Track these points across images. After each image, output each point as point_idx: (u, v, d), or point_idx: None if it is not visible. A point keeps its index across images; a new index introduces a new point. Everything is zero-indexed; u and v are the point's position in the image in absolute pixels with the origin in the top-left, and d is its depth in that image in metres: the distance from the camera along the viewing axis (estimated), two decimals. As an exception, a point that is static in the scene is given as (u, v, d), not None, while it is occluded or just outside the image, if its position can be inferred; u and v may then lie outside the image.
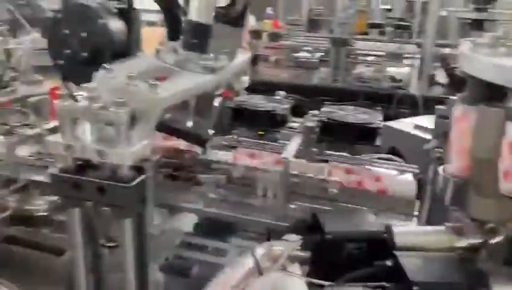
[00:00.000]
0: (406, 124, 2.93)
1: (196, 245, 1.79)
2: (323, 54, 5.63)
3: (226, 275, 1.25)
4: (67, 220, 1.38)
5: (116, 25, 1.60)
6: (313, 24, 8.42)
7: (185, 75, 1.48)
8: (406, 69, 5.58)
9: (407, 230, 1.19)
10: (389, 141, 2.39)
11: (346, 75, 5.53)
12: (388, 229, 1.13)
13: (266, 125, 1.83)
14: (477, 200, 1.14)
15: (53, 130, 2.02)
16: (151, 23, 10.35)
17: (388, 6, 9.16)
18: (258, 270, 1.23)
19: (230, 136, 1.80)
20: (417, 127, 2.78)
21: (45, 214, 1.78)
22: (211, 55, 1.56)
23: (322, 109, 1.81)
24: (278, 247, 1.22)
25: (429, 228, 1.28)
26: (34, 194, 1.83)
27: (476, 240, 1.14)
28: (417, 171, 1.61)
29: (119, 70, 1.29)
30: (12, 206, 1.72)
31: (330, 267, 1.14)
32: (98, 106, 1.19)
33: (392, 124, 2.97)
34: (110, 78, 1.25)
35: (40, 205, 1.77)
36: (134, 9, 1.78)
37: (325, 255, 1.14)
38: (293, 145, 1.62)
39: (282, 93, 2.38)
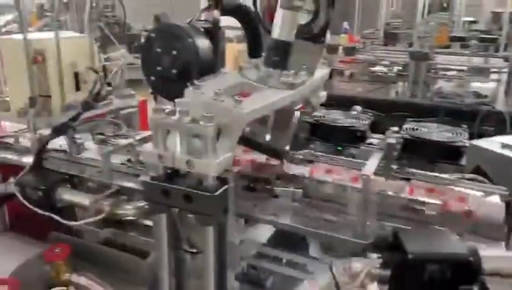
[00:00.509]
0: (492, 143, 2.77)
1: (271, 256, 1.82)
2: (400, 68, 5.47)
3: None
4: (155, 224, 1.48)
5: (203, 43, 1.70)
6: (390, 38, 8.24)
7: (266, 91, 1.54)
8: (492, 84, 5.27)
9: (495, 254, 1.13)
10: (474, 159, 2.28)
11: (426, 90, 5.33)
12: (474, 253, 1.09)
13: (345, 141, 1.82)
14: None
15: (142, 141, 2.20)
16: (228, 40, 10.72)
17: (472, 18, 8.74)
18: (336, 287, 1.23)
19: (308, 151, 1.82)
20: (505, 146, 2.62)
21: (133, 218, 1.91)
22: (291, 71, 1.61)
23: (404, 126, 1.77)
24: (357, 264, 1.22)
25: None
26: (124, 200, 1.98)
27: None
28: (505, 193, 1.52)
29: (207, 87, 1.38)
30: (106, 210, 1.86)
31: (410, 289, 1.12)
32: (188, 119, 1.28)
33: (476, 142, 2.82)
34: (199, 94, 1.34)
35: (129, 209, 1.90)
36: (220, 28, 1.88)
37: (406, 275, 1.12)
38: (373, 162, 1.61)
39: (358, 108, 2.37)
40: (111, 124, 2.46)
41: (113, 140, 2.24)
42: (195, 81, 1.37)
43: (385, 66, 5.92)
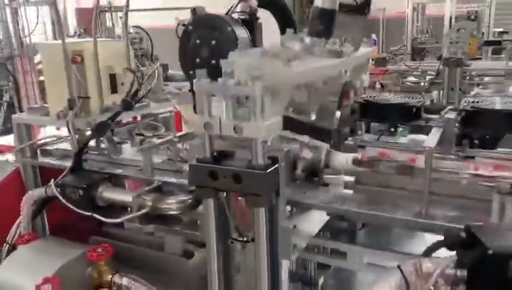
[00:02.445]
0: None
1: (320, 248, 1.71)
2: (432, 76, 5.35)
3: None
4: (203, 211, 1.40)
5: (242, 33, 1.66)
6: (417, 52, 8.14)
7: (312, 58, 1.47)
8: (529, 88, 5.07)
9: None
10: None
11: (463, 97, 5.16)
12: None
13: (399, 118, 1.70)
14: None
15: (183, 138, 2.16)
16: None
17: (502, 29, 8.57)
18: (407, 288, 1.11)
19: (357, 136, 1.73)
20: None
21: (177, 212, 1.84)
22: (337, 40, 1.54)
23: (462, 100, 1.65)
24: (428, 263, 1.10)
25: None
26: (167, 195, 1.92)
27: None
28: None
29: (253, 51, 1.32)
30: (149, 205, 1.80)
31: (492, 288, 0.99)
32: (234, 81, 1.22)
33: None
34: (245, 55, 1.28)
35: (172, 204, 1.84)
36: (258, 18, 1.84)
37: (486, 274, 0.99)
38: (433, 137, 1.49)
39: None
40: (149, 127, 2.43)
41: (153, 140, 2.21)
42: (241, 44, 1.31)
43: (416, 76, 5.81)
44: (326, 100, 1.71)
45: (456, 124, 1.51)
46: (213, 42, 1.67)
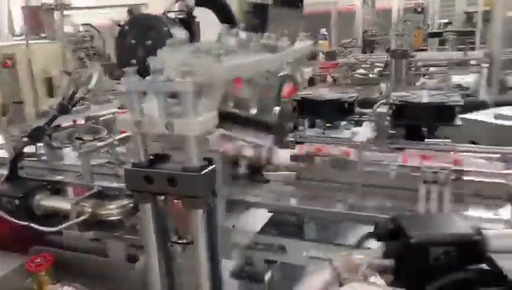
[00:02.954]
0: (485, 115, 2.71)
1: (264, 244, 1.70)
2: (381, 69, 5.48)
3: (304, 287, 1.14)
4: (140, 217, 1.36)
5: (179, 32, 1.62)
6: (368, 45, 8.32)
7: (247, 53, 1.45)
8: (473, 76, 5.29)
9: (500, 232, 1.04)
10: (468, 132, 2.21)
11: (409, 88, 5.32)
12: (479, 232, 1.00)
13: (333, 114, 1.71)
14: None
15: (123, 141, 2.09)
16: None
17: (446, 20, 8.90)
18: (338, 282, 1.12)
19: (297, 132, 1.73)
20: (497, 116, 2.56)
21: (118, 218, 1.78)
22: (272, 35, 1.53)
23: (392, 94, 1.68)
24: (357, 256, 1.12)
25: None
26: (107, 200, 1.85)
27: None
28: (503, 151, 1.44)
29: (184, 47, 1.29)
30: (88, 211, 1.74)
31: (416, 275, 1.01)
32: (164, 78, 1.18)
33: (470, 115, 2.76)
34: (175, 52, 1.25)
35: (112, 209, 1.78)
36: (194, 17, 1.81)
37: (410, 261, 1.01)
38: (364, 131, 1.51)
39: None
40: (90, 130, 2.34)
41: (92, 143, 2.13)
42: (169, 41, 1.27)
43: (366, 68, 5.93)
44: (266, 95, 1.70)
45: (388, 118, 1.54)
46: (149, 42, 1.62)
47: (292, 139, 1.67)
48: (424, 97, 1.66)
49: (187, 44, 1.44)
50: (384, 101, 1.69)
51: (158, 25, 1.62)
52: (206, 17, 1.91)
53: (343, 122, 2.31)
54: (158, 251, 1.38)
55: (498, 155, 1.47)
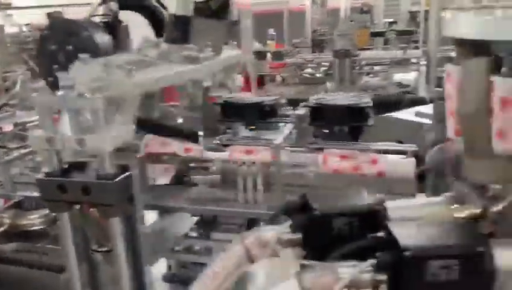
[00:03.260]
0: (406, 113, 2.84)
1: (193, 247, 1.73)
2: (326, 68, 5.61)
3: (215, 266, 1.17)
4: (59, 226, 1.35)
5: (101, 37, 1.60)
6: (317, 44, 8.47)
7: (166, 65, 1.47)
8: (412, 74, 5.52)
9: (401, 203, 1.11)
10: (390, 130, 2.31)
11: (352, 86, 5.48)
12: (380, 203, 1.06)
13: (255, 117, 1.75)
14: (471, 162, 1.06)
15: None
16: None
17: (391, 19, 9.19)
18: (249, 259, 1.16)
19: (223, 135, 1.76)
20: (418, 114, 2.68)
21: (41, 227, 1.75)
22: (194, 46, 1.55)
23: (311, 97, 1.75)
24: (267, 232, 1.15)
25: (426, 199, 1.20)
26: (29, 210, 1.82)
27: (477, 209, 1.05)
28: (415, 149, 1.53)
29: (96, 62, 1.29)
30: (7, 222, 1.70)
31: (322, 246, 1.06)
32: (75, 94, 1.18)
33: (392, 114, 2.87)
34: (86, 67, 1.25)
35: (34, 219, 1.75)
36: (120, 21, 1.80)
37: (315, 233, 1.06)
38: (283, 134, 1.56)
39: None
40: (16, 138, 2.28)
41: (15, 151, 2.07)
42: (82, 56, 1.27)
43: (313, 68, 6.05)
44: (190, 103, 1.73)
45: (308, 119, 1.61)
46: (69, 48, 1.60)
47: (218, 142, 1.71)
48: (338, 99, 1.72)
49: (100, 58, 1.43)
50: (306, 103, 1.75)
51: (78, 30, 1.60)
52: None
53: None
54: (80, 260, 1.37)
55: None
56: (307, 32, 8.57)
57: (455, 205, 1.07)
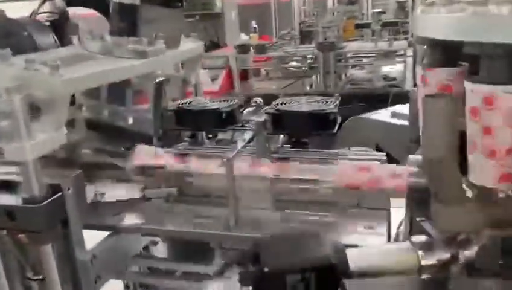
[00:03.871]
0: (382, 114, 2.69)
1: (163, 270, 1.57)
2: (310, 61, 5.46)
3: None
4: None
5: (43, 37, 1.44)
6: (305, 36, 8.30)
7: (107, 60, 1.30)
8: (399, 67, 5.39)
9: (363, 251, 0.97)
10: (367, 132, 2.17)
11: (338, 80, 5.35)
12: (339, 251, 0.92)
13: (211, 125, 1.56)
14: (439, 208, 0.92)
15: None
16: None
17: (380, 10, 9.03)
18: None
19: (182, 143, 1.60)
20: (394, 114, 2.54)
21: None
22: (143, 39, 1.39)
23: (273, 102, 1.57)
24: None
25: (390, 245, 1.08)
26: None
27: (446, 256, 0.93)
28: (384, 158, 1.39)
29: (20, 59, 1.12)
30: None
31: None
32: (-10, 95, 1.02)
33: (368, 114, 2.74)
34: (5, 65, 1.08)
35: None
36: (67, 19, 1.63)
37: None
38: (238, 144, 1.39)
39: (258, 99, 2.19)
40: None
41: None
42: (2, 51, 1.10)
43: (297, 61, 5.90)
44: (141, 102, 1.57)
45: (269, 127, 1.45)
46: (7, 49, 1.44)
47: (176, 151, 1.55)
48: (302, 105, 1.55)
49: (33, 54, 1.27)
50: (269, 107, 1.59)
51: (17, 30, 1.44)
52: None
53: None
54: (14, 288, 1.23)
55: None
56: (294, 24, 8.41)
57: (422, 252, 0.95)
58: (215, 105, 1.53)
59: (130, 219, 1.38)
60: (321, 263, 0.91)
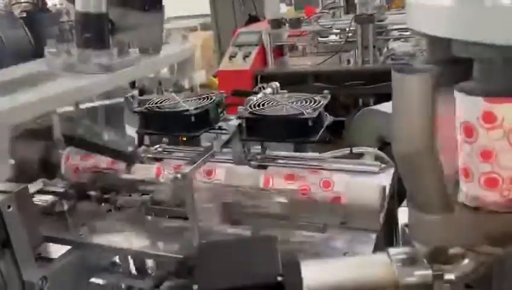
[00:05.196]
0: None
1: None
2: (350, 34, 5.13)
3: None
4: None
5: (13, 32, 1.37)
6: (352, 5, 7.84)
7: (67, 79, 1.21)
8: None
9: (323, 264, 0.82)
10: (376, 128, 1.97)
11: (379, 54, 5.01)
12: (291, 266, 0.78)
13: (180, 129, 1.42)
14: (416, 215, 0.77)
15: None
16: (192, 28, 10.27)
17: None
18: None
19: (157, 146, 1.50)
20: None
21: None
22: (112, 50, 1.29)
23: (250, 101, 1.40)
24: None
25: (362, 258, 0.91)
26: None
27: (429, 272, 0.78)
28: (381, 167, 1.21)
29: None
30: None
31: None
32: None
33: (377, 106, 2.49)
34: None
35: None
36: (44, 12, 1.55)
37: None
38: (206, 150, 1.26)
39: (274, 84, 2.05)
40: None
41: None
42: None
43: (336, 34, 5.58)
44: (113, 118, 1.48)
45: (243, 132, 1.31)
46: None
47: (151, 155, 1.46)
48: (279, 108, 1.38)
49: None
50: (243, 107, 1.44)
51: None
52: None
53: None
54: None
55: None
56: (338, -9, 7.96)
57: (400, 267, 0.80)
58: (185, 106, 1.39)
59: (95, 231, 1.32)
60: (266, 281, 0.78)
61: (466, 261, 0.76)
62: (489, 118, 0.67)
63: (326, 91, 1.35)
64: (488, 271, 0.79)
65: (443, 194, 0.71)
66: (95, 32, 1.28)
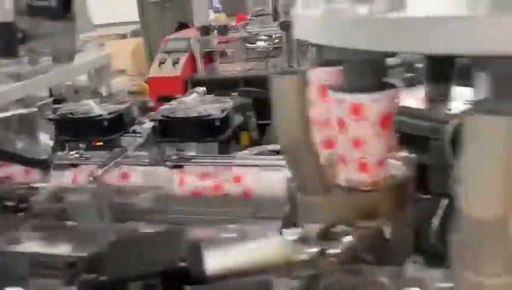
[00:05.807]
0: None
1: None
2: (277, 40, 5.33)
3: None
4: None
5: None
6: (279, 13, 8.08)
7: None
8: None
9: (225, 250, 0.90)
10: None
11: (303, 60, 5.23)
12: (194, 252, 0.84)
13: (94, 134, 1.46)
14: (301, 198, 0.87)
15: None
16: (122, 36, 10.04)
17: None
18: None
19: (73, 152, 1.52)
20: None
21: None
22: (23, 58, 1.29)
23: (165, 105, 1.47)
24: None
25: (259, 242, 1.00)
26: None
27: (314, 250, 0.87)
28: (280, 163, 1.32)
29: None
30: None
31: None
32: None
33: None
34: None
35: None
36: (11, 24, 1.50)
37: None
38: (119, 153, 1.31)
39: (201, 89, 2.11)
40: None
41: None
42: None
43: (264, 41, 5.75)
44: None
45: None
46: None
47: (67, 161, 1.47)
48: (192, 110, 1.46)
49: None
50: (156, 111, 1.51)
51: None
52: None
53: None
54: None
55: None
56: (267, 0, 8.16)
57: (293, 247, 0.89)
58: (97, 111, 1.43)
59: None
60: (168, 268, 0.84)
61: (349, 237, 0.87)
62: (356, 111, 0.78)
63: (234, 93, 1.45)
64: (374, 241, 0.90)
65: (321, 178, 0.81)
66: (3, 41, 1.28)
